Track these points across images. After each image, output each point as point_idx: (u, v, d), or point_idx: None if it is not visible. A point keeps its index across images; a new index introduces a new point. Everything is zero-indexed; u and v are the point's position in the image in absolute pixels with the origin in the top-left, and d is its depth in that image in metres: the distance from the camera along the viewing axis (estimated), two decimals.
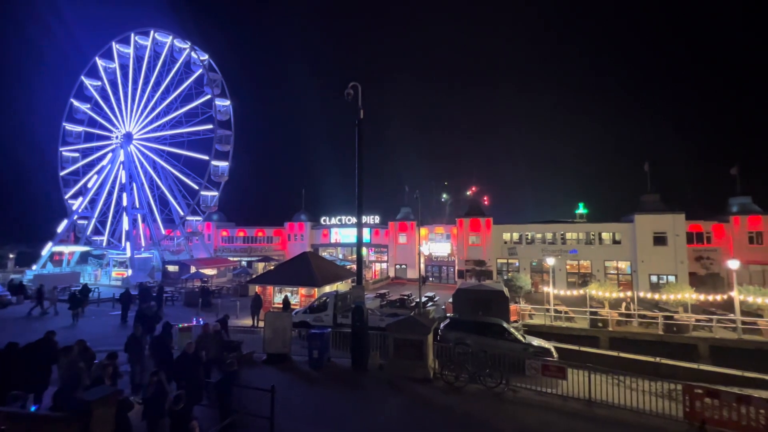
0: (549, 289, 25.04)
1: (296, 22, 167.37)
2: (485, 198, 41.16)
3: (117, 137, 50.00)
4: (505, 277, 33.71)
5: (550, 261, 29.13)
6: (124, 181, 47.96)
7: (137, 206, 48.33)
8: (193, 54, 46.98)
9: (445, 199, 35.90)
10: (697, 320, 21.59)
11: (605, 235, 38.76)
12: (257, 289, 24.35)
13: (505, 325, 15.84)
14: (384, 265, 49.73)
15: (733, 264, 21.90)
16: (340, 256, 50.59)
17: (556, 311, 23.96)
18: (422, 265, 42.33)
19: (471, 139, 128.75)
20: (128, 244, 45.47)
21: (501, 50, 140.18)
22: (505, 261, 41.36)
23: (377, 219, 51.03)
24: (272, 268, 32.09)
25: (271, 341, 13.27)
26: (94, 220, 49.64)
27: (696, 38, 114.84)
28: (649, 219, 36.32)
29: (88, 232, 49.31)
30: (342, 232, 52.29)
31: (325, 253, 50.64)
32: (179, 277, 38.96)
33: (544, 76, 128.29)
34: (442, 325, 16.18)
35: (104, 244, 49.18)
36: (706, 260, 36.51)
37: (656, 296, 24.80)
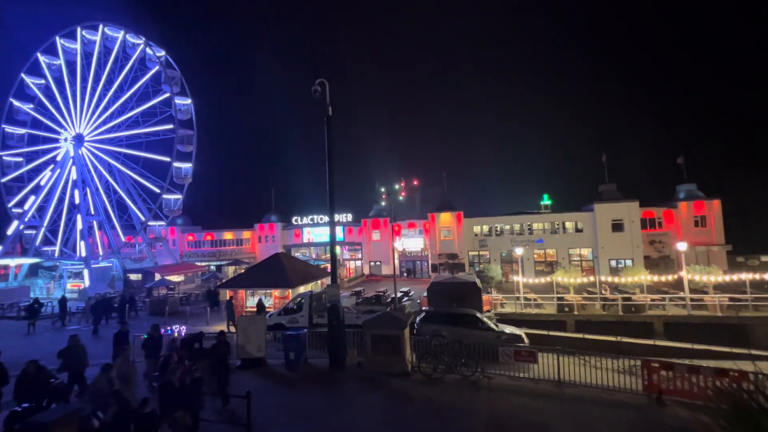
0: (518, 278, 26.01)
1: (259, 15, 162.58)
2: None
3: (66, 139, 46.49)
4: (477, 269, 34.66)
5: (519, 251, 30.21)
6: (75, 186, 44.78)
7: (92, 213, 45.30)
8: (148, 50, 44.45)
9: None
10: (652, 300, 23.20)
11: (568, 224, 40.74)
12: (228, 293, 23.59)
13: (478, 315, 16.29)
14: (359, 263, 49.66)
15: (682, 246, 23.72)
16: (314, 256, 49.98)
17: (525, 299, 24.93)
18: (396, 261, 42.68)
19: (440, 135, 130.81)
20: (84, 253, 42.60)
21: (467, 48, 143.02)
22: (476, 253, 42.48)
23: (350, 217, 50.80)
24: (243, 271, 31.20)
25: (245, 346, 12.92)
26: (43, 230, 46.00)
27: (646, 33, 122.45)
28: (607, 207, 38.53)
29: (37, 243, 45.65)
30: (315, 232, 51.65)
31: (298, 254, 49.86)
32: (143, 285, 37.01)
33: (507, 73, 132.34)
34: (418, 318, 16.41)
35: (56, 254, 45.78)
36: (659, 244, 39.29)
37: (616, 279, 26.41)
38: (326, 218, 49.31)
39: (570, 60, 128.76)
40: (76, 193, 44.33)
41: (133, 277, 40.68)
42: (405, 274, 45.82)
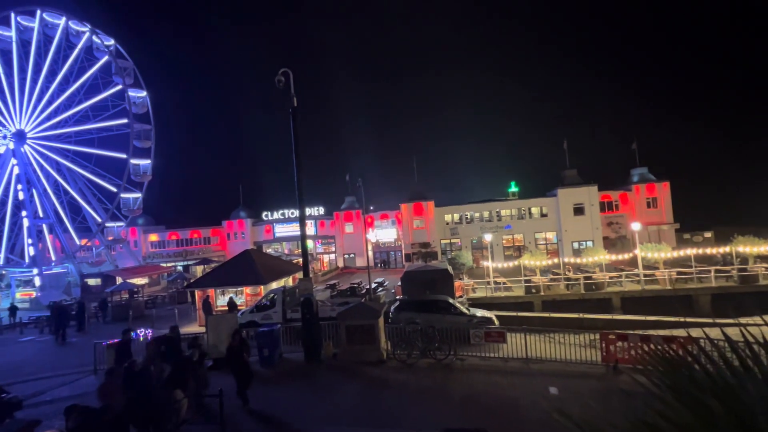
0: (488, 264, 26.90)
1: (220, 2, 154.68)
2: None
3: (5, 137, 42.62)
4: (449, 256, 35.50)
5: (488, 237, 31.17)
6: (20, 187, 41.28)
7: (41, 216, 42.06)
8: (95, 38, 41.29)
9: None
10: (611, 277, 24.76)
11: (534, 210, 42.44)
12: (198, 293, 22.84)
13: (450, 300, 16.75)
14: (332, 256, 49.41)
15: (636, 226, 25.40)
16: (286, 251, 49.20)
17: (495, 283, 25.86)
18: (370, 253, 42.84)
19: (411, 125, 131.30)
20: (34, 259, 39.60)
21: (434, 39, 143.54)
22: (448, 241, 43.42)
23: (322, 210, 50.27)
24: (211, 270, 30.23)
25: (217, 346, 12.60)
26: None
27: (603, 26, 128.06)
28: (569, 192, 40.43)
29: None
30: (286, 227, 50.74)
31: (269, 250, 48.86)
32: (103, 290, 35.01)
33: (473, 64, 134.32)
34: (392, 307, 16.64)
35: (1, 262, 42.26)
36: (616, 225, 41.82)
37: (578, 260, 27.93)
38: (297, 213, 48.56)
39: (532, 51, 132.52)
40: (21, 195, 40.90)
41: (92, 282, 38.39)
42: (379, 265, 46.14)
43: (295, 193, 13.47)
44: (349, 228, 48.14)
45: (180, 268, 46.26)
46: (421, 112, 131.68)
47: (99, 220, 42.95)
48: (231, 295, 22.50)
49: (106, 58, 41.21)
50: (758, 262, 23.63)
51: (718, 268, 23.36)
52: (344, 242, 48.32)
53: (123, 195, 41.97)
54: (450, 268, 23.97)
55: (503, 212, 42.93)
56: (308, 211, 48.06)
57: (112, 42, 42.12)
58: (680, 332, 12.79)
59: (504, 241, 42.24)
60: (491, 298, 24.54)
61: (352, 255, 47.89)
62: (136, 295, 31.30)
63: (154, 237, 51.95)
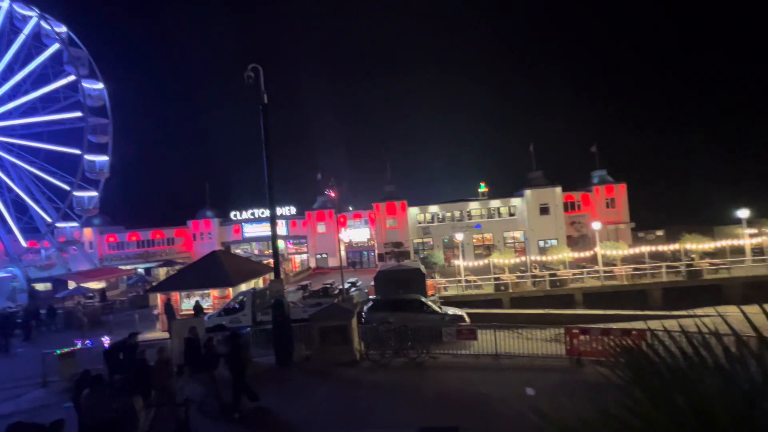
0: (459, 262, 27.46)
1: None
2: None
3: None
4: (422, 256, 35.91)
5: (459, 236, 31.82)
6: None
7: None
8: (44, 24, 38.22)
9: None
10: (574, 274, 26.00)
11: (503, 210, 43.79)
12: (159, 297, 21.73)
13: (423, 299, 16.92)
14: (304, 257, 48.60)
15: (596, 226, 26.82)
16: (256, 252, 47.87)
17: (466, 281, 26.45)
18: (343, 253, 42.55)
19: (384, 126, 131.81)
20: None
21: (404, 41, 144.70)
22: (420, 240, 43.92)
23: (293, 210, 49.31)
24: (176, 272, 28.86)
25: (182, 352, 12.02)
26: None
27: (564, 24, 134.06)
28: (536, 193, 42.05)
29: None
30: (256, 227, 49.34)
31: (238, 250, 47.34)
32: (53, 295, 32.52)
33: (445, 67, 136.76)
34: (365, 307, 16.58)
35: None
36: (578, 224, 43.95)
37: (543, 258, 29.11)
38: (267, 212, 47.36)
39: (502, 57, 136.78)
40: None
41: (40, 287, 35.60)
42: (352, 265, 45.89)
43: (265, 191, 13.12)
44: (321, 228, 47.53)
45: (141, 271, 43.80)
46: (394, 112, 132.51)
47: (49, 220, 39.85)
48: (197, 298, 21.58)
49: (56, 45, 38.26)
50: (705, 258, 25.65)
51: (669, 264, 25.10)
52: (316, 242, 47.66)
53: (76, 193, 39.17)
54: (422, 268, 24.23)
55: (474, 212, 43.98)
56: (279, 210, 46.95)
57: (63, 29, 39.16)
58: (637, 325, 13.59)
59: (474, 240, 43.27)
60: (462, 296, 25.06)
61: (324, 255, 47.32)
62: (91, 300, 29.38)
63: (112, 238, 48.90)
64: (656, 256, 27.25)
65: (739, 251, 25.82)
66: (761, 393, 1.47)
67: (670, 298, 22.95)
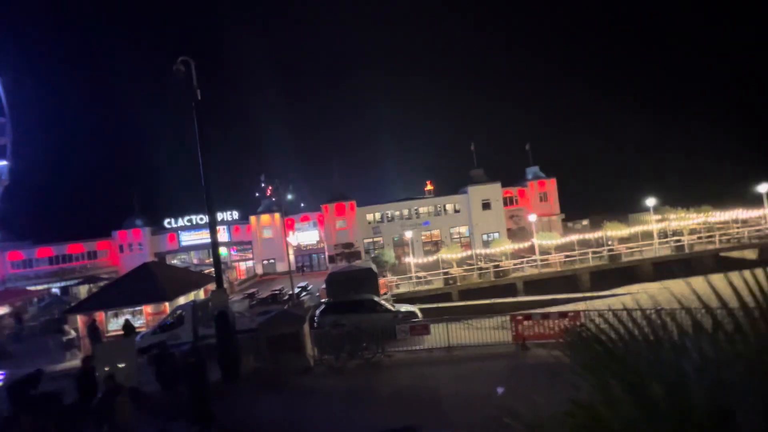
0: (410, 260, 27.98)
1: None
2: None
3: None
4: (373, 255, 36.00)
5: (409, 234, 32.41)
6: None
7: None
8: None
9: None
10: (515, 264, 27.77)
11: (449, 206, 45.50)
12: (80, 319, 19.25)
13: (375, 299, 16.91)
14: (250, 263, 46.26)
15: (532, 218, 28.89)
16: (196, 261, 44.56)
17: (417, 278, 27.00)
18: (292, 257, 41.20)
19: (330, 127, 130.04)
20: None
21: (349, 41, 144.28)
22: (371, 240, 44.03)
23: (236, 215, 46.71)
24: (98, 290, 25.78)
25: (109, 379, 10.71)
26: None
27: (501, 25, 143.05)
28: (478, 190, 44.26)
29: None
30: (194, 234, 45.90)
31: (175, 261, 43.73)
32: None
33: (390, 67, 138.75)
34: (317, 311, 16.16)
35: None
36: (516, 217, 47.10)
37: (487, 251, 30.73)
38: (206, 218, 44.28)
39: (444, 58, 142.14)
40: None
41: None
42: (302, 269, 44.63)
43: (203, 196, 12.18)
44: (267, 232, 45.57)
45: (56, 291, 38.50)
46: (340, 114, 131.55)
47: None
48: (127, 316, 19.47)
49: None
50: (622, 243, 28.84)
51: (594, 250, 27.85)
52: (262, 247, 45.59)
53: None
54: (374, 267, 24.24)
55: (422, 210, 45.13)
56: (220, 215, 44.14)
57: None
58: (572, 307, 14.79)
59: (423, 237, 44.40)
60: (414, 293, 25.54)
61: (272, 260, 45.43)
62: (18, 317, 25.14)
63: (16, 255, 42.41)
64: (583, 244, 30.11)
65: (648, 236, 29.44)
66: (687, 359, 1.58)
67: (597, 280, 25.48)
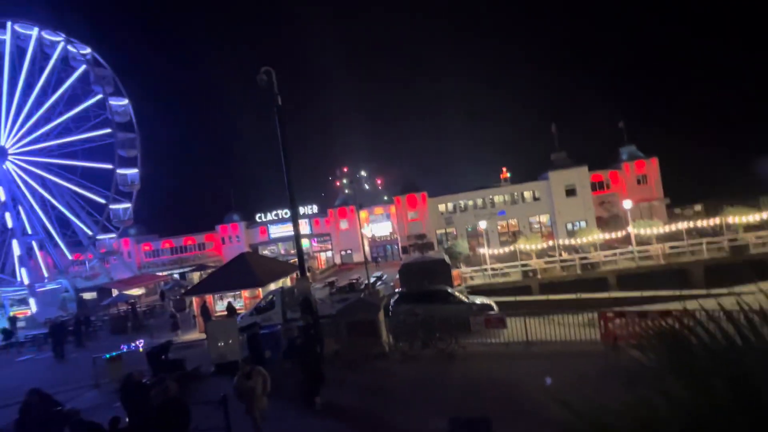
0: (484, 251, 27.05)
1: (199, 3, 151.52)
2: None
3: None
4: (445, 246, 35.63)
5: (483, 224, 31.32)
6: (6, 207, 40.44)
7: (29, 232, 41.32)
8: (70, 47, 40.27)
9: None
10: (605, 256, 25.04)
11: (527, 194, 42.66)
12: (194, 300, 22.69)
13: (449, 290, 16.81)
14: (329, 254, 49.34)
15: (627, 204, 25.61)
16: (283, 252, 49.01)
17: (492, 269, 26.03)
18: (367, 248, 42.89)
19: (401, 117, 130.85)
20: (25, 277, 38.97)
21: (418, 27, 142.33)
22: (443, 231, 43.55)
23: (315, 208, 50.06)
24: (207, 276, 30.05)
25: (217, 351, 12.56)
26: None
27: (585, 11, 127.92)
28: (560, 175, 40.65)
29: None
30: (281, 227, 50.48)
31: (266, 251, 48.65)
32: (99, 303, 34.66)
33: (461, 52, 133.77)
34: (391, 300, 16.66)
35: None
36: (608, 204, 42.21)
37: (572, 241, 28.18)
38: (290, 213, 48.27)
39: (518, 38, 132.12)
40: (7, 214, 40.08)
41: (87, 296, 37.96)
42: (377, 260, 46.17)
43: (286, 192, 13.36)
44: (344, 224, 48.03)
45: (176, 276, 45.89)
46: (411, 105, 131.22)
47: (90, 233, 42.33)
48: (229, 299, 22.40)
49: (83, 67, 40.25)
50: (749, 232, 24.03)
51: (710, 240, 23.70)
52: (340, 239, 48.24)
53: (112, 206, 41.36)
54: (447, 258, 24.06)
55: (496, 198, 43.09)
56: (301, 209, 47.77)
57: (88, 50, 41.10)
58: (676, 306, 12.96)
59: (499, 227, 42.44)
60: (489, 285, 24.71)
61: (348, 251, 47.84)
62: (131, 305, 31.05)
63: (147, 247, 51.42)
64: (695, 233, 25.79)
65: None
66: None
67: (713, 276, 21.69)
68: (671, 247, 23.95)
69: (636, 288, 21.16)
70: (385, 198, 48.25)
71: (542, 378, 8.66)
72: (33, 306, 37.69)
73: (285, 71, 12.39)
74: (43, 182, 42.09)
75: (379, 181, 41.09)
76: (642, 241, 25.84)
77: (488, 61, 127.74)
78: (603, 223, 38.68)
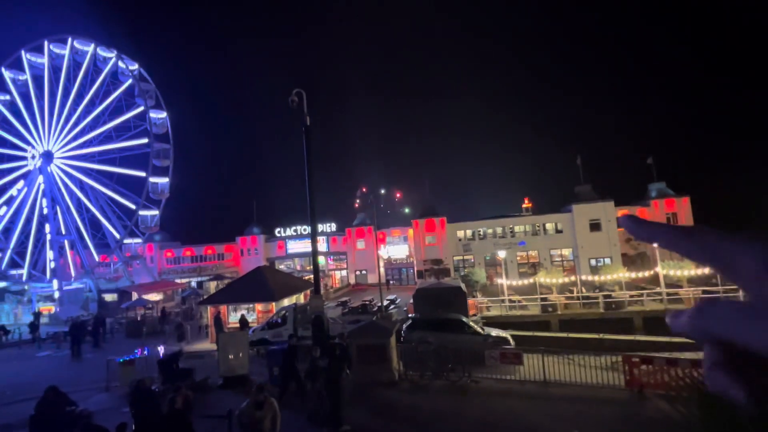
0: (503, 281, 26.31)
1: (236, 25, 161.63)
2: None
3: (33, 157, 44.65)
4: (462, 273, 34.91)
5: (502, 254, 30.63)
6: (45, 205, 42.88)
7: (63, 232, 43.42)
8: (120, 63, 43.42)
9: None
10: (631, 296, 23.86)
11: (549, 226, 41.64)
12: (210, 309, 22.93)
13: (464, 319, 16.33)
14: (344, 273, 49.22)
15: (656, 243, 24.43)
16: (298, 267, 49.28)
17: (510, 301, 25.20)
18: (382, 269, 42.57)
19: (423, 141, 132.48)
20: (55, 275, 40.66)
21: (448, 56, 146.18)
22: (460, 258, 42.79)
23: (334, 227, 50.45)
24: (224, 286, 30.44)
25: (227, 364, 12.51)
26: (9, 252, 43.76)
27: (613, 34, 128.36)
28: (584, 208, 39.62)
29: (3, 266, 43.36)
30: (298, 243, 51.01)
31: (282, 266, 49.04)
32: (119, 306, 35.54)
33: (486, 80, 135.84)
34: (404, 325, 16.31)
35: (24, 277, 43.50)
36: (635, 241, 40.57)
37: (596, 278, 27.07)
38: (309, 229, 48.83)
39: (543, 67, 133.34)
40: (46, 212, 42.47)
41: (108, 297, 39.04)
42: (391, 282, 45.65)
43: (307, 209, 13.58)
44: (360, 244, 48.06)
45: (194, 284, 46.72)
46: (434, 127, 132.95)
47: (118, 236, 44.03)
48: (243, 312, 22.51)
49: (130, 81, 43.18)
50: None
51: None
52: (356, 258, 48.17)
53: (141, 212, 43.06)
54: (463, 286, 23.51)
55: (517, 228, 42.24)
56: (320, 227, 48.29)
57: (136, 66, 44.18)
58: None
59: (518, 258, 41.37)
60: (506, 317, 23.88)
61: (363, 271, 47.60)
62: (150, 311, 31.66)
63: (169, 253, 52.86)
64: None
65: None
66: None
67: None
68: (704, 291, 22.62)
69: (664, 332, 19.92)
70: (404, 220, 48.35)
71: (563, 423, 8.15)
72: (57, 303, 39.06)
73: (312, 89, 12.88)
74: (82, 186, 44.54)
75: (398, 203, 41.62)
76: (671, 282, 24.55)
77: (516, 89, 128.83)
78: (629, 261, 37.08)
